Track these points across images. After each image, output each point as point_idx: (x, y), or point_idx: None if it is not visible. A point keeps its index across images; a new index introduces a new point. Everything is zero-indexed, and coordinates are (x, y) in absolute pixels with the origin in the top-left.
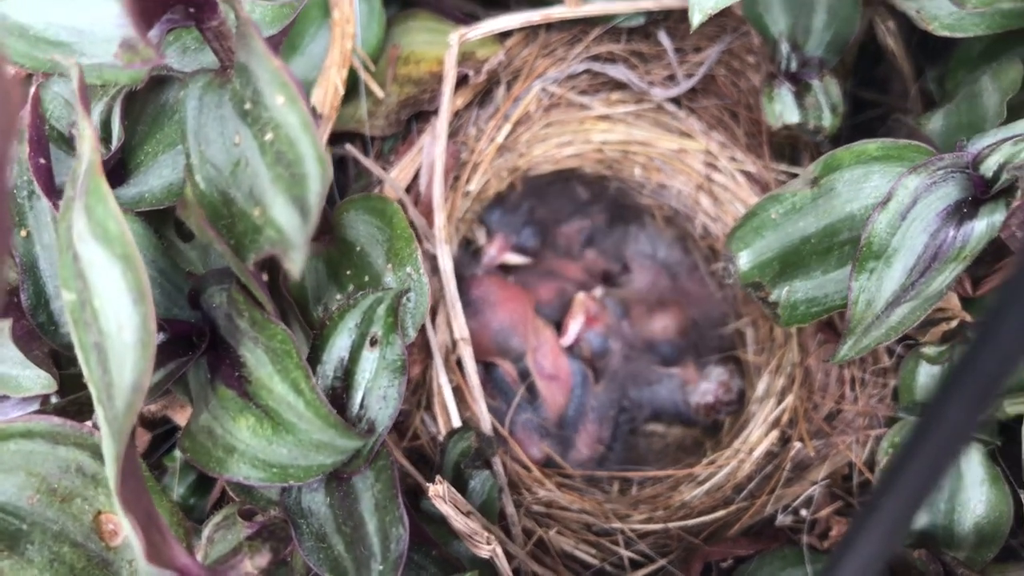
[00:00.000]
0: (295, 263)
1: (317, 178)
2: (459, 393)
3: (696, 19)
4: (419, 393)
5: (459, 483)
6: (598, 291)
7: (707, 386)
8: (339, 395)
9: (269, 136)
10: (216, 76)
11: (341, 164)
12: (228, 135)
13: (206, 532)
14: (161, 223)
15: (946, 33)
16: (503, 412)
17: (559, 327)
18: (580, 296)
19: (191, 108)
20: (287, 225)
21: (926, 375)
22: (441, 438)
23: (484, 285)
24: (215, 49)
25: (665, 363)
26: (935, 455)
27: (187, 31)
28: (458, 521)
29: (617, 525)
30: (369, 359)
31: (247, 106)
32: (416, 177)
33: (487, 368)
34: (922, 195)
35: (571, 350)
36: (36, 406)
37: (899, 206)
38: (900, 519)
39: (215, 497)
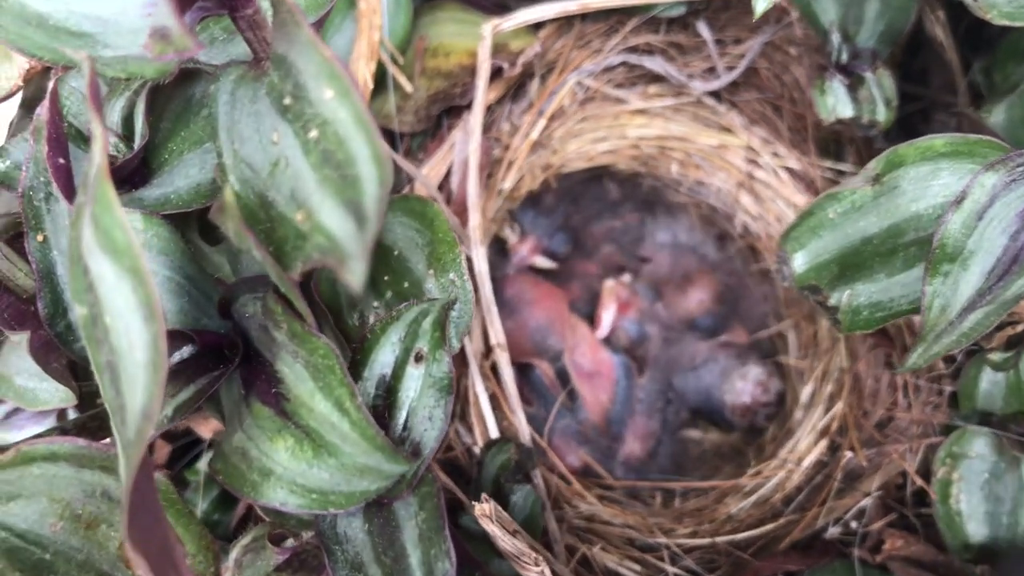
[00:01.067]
0: (355, 274)
1: (374, 180)
2: (495, 401)
3: (761, 6)
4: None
5: (499, 498)
6: (626, 277)
7: (743, 386)
8: (381, 414)
9: (314, 133)
10: (250, 68)
11: None
12: (265, 132)
13: (234, 554)
14: (185, 226)
15: (1006, 22)
16: (540, 419)
17: (591, 323)
18: (609, 283)
19: (223, 103)
20: (339, 231)
21: (989, 382)
22: (477, 450)
23: (518, 284)
24: (248, 39)
25: (711, 335)
26: None
27: (215, 21)
28: (505, 541)
29: (662, 540)
30: (414, 376)
31: (287, 101)
32: (448, 175)
33: (523, 370)
34: (1000, 194)
35: (609, 342)
36: (52, 420)
37: (975, 205)
38: None
39: (240, 513)
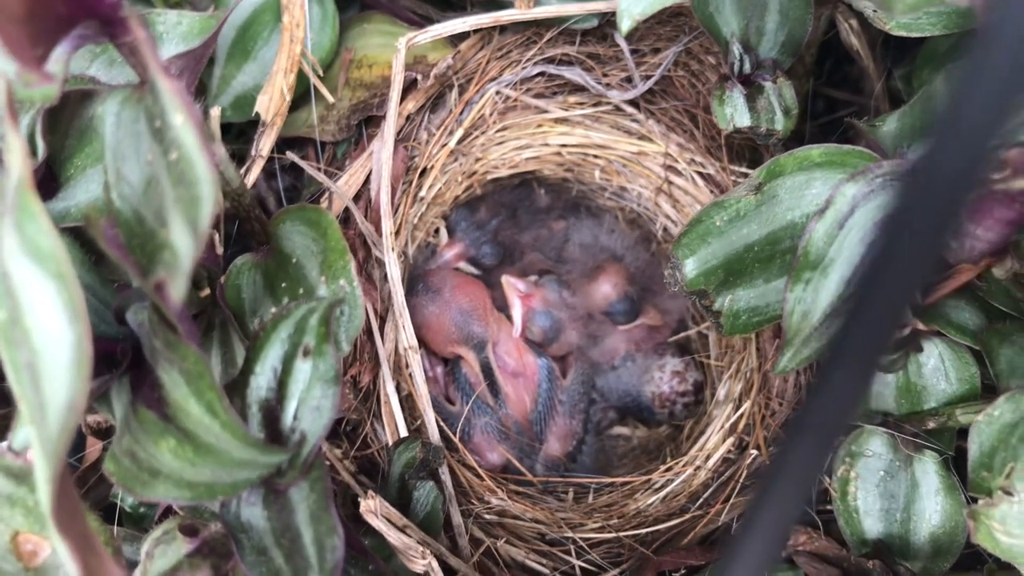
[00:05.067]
0: (178, 291)
1: (209, 201)
2: (411, 400)
3: (625, 25)
4: (370, 401)
5: (404, 494)
6: (532, 278)
7: (661, 376)
8: (272, 407)
9: (174, 155)
10: (134, 92)
11: (294, 168)
12: (142, 152)
13: (145, 547)
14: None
15: (903, 33)
16: (465, 417)
17: None
18: (503, 280)
19: (109, 124)
20: (181, 249)
21: (880, 383)
22: (389, 447)
23: (442, 273)
24: (132, 64)
25: (627, 320)
26: (818, 439)
27: None
28: (392, 535)
29: (569, 534)
30: (302, 370)
31: (157, 123)
32: (367, 182)
33: (451, 366)
34: (860, 203)
35: (528, 341)
36: None
37: (837, 215)
38: (789, 503)
39: (164, 506)
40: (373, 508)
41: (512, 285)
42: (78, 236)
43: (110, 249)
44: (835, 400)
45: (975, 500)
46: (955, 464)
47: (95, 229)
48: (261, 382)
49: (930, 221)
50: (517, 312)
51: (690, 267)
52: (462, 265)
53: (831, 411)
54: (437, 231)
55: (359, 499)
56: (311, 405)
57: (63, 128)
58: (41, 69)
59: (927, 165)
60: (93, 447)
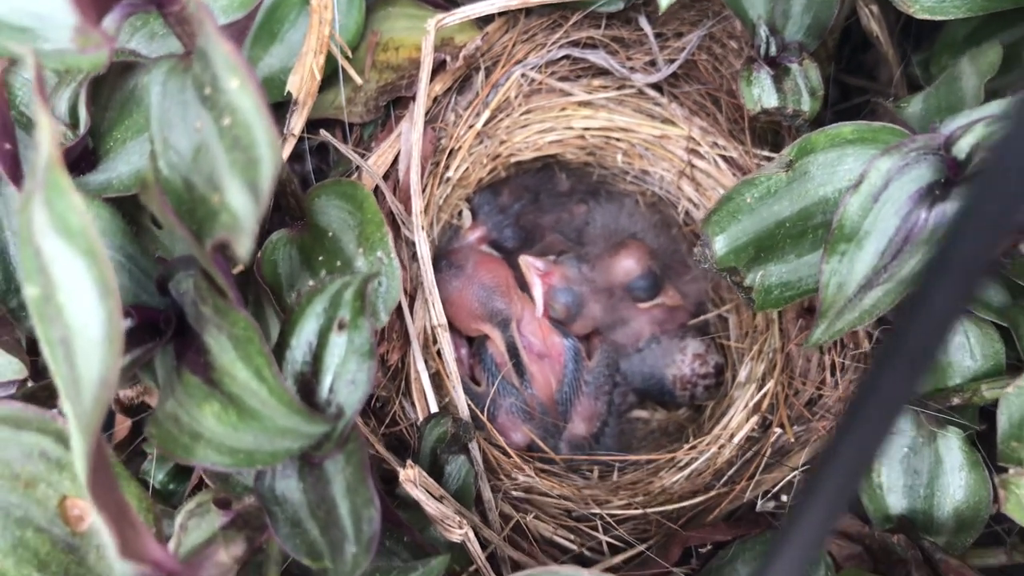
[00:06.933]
0: (244, 248)
1: (269, 162)
2: (439, 378)
3: (664, 2)
4: (398, 379)
5: (436, 469)
6: (550, 258)
7: (682, 358)
8: (308, 380)
9: (227, 121)
10: (179, 61)
11: (320, 151)
12: (190, 120)
13: (179, 520)
14: (136, 209)
15: (927, 16)
16: (491, 398)
17: None
18: (521, 260)
19: (155, 94)
20: (241, 210)
21: None
22: (419, 424)
23: (465, 250)
24: (178, 34)
25: (649, 298)
26: (871, 427)
27: (156, 16)
28: (430, 505)
29: (596, 511)
30: (338, 344)
31: (207, 91)
32: (395, 163)
33: (477, 347)
34: (894, 177)
35: (553, 321)
36: (12, 390)
37: (871, 188)
38: (840, 492)
39: (194, 482)
40: (412, 477)
41: (530, 264)
42: (120, 207)
43: (164, 215)
44: (932, 322)
45: (1003, 471)
46: (980, 439)
47: (149, 195)
48: (297, 355)
49: None
50: (538, 290)
51: (720, 244)
52: (484, 248)
53: (926, 334)
54: (460, 213)
55: (394, 472)
56: (347, 378)
57: (103, 101)
58: (101, 28)
59: None
60: (122, 424)
